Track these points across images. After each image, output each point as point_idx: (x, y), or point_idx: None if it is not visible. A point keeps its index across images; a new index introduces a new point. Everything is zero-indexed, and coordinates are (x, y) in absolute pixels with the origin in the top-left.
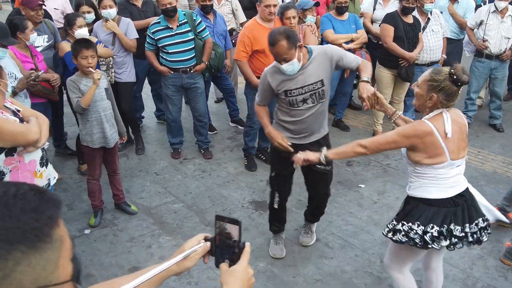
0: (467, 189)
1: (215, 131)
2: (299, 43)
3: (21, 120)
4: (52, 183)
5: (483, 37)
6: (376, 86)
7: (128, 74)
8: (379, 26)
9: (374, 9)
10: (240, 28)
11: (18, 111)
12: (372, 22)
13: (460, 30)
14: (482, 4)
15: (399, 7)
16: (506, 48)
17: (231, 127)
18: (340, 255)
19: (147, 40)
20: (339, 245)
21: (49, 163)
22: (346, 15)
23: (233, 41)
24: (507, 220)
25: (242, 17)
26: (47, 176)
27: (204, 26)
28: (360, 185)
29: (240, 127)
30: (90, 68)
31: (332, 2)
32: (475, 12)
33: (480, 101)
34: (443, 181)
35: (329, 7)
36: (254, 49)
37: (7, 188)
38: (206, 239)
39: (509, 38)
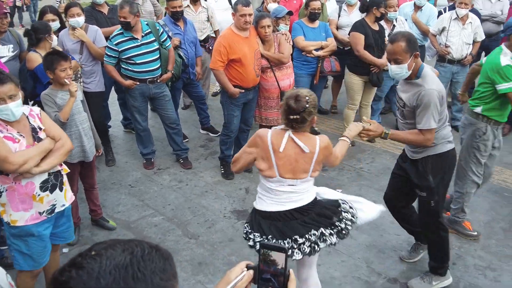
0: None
1: (187, 139)
2: (417, 52)
3: (35, 139)
4: (57, 210)
5: (445, 43)
6: (347, 92)
7: (97, 84)
8: (349, 34)
9: (339, 16)
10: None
11: (40, 129)
12: (338, 28)
13: (423, 37)
14: (443, 11)
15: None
16: (467, 54)
17: (202, 134)
18: (327, 261)
19: (107, 53)
20: (325, 251)
21: (57, 189)
22: (317, 23)
23: (210, 47)
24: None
25: (215, 24)
26: (50, 201)
27: (166, 36)
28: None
29: (211, 134)
30: (69, 80)
31: (305, 8)
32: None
33: None
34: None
35: (300, 13)
36: (230, 58)
37: (132, 249)
38: (248, 267)
39: (469, 44)
